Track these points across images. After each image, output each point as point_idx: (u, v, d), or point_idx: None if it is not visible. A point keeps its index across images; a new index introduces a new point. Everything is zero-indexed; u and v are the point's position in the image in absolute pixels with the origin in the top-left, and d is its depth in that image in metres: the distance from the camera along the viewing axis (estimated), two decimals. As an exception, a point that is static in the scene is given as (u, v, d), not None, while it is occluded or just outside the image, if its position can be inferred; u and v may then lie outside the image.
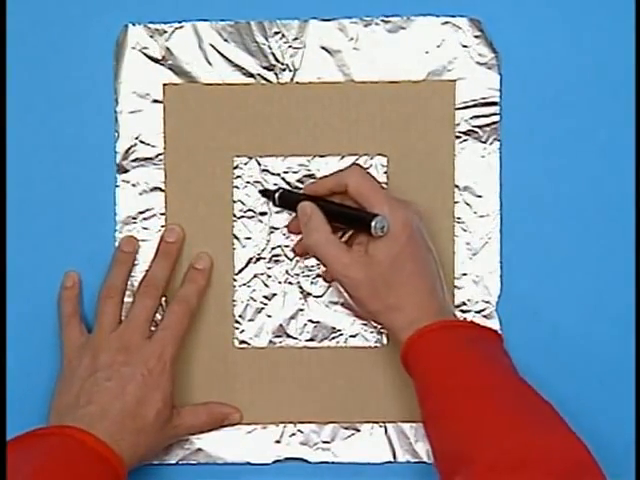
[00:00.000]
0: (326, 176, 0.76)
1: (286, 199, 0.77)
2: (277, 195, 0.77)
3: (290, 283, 0.78)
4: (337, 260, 0.72)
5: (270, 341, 0.78)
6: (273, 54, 0.77)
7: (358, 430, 0.78)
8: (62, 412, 0.72)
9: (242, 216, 0.78)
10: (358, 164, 0.76)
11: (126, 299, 0.77)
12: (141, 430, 0.72)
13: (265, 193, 0.77)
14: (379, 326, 0.78)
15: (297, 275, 0.78)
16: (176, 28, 0.77)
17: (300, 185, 0.78)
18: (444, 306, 0.73)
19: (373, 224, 0.70)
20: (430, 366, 0.70)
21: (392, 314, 0.72)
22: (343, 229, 0.75)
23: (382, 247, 0.71)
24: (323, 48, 0.77)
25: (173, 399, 0.75)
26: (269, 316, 0.78)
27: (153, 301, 0.76)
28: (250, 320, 0.78)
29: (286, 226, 0.78)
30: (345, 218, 0.74)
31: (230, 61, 0.77)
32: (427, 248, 0.73)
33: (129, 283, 0.77)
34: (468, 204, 0.78)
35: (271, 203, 0.77)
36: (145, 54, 0.77)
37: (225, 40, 0.77)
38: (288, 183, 0.78)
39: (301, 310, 0.78)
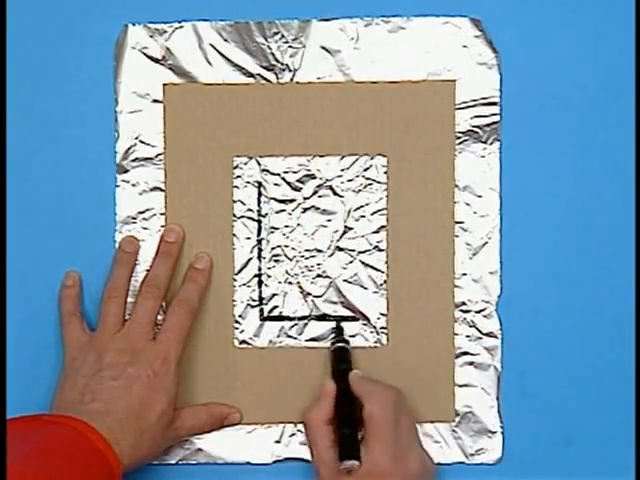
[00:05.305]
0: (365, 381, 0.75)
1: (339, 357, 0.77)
2: (332, 349, 0.77)
3: (290, 283, 0.78)
4: (321, 453, 0.72)
5: (270, 341, 0.78)
6: (273, 54, 0.77)
7: (358, 430, 0.79)
8: (65, 408, 0.72)
9: (242, 216, 0.78)
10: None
11: (128, 299, 0.77)
12: (143, 431, 0.71)
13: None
14: (379, 326, 0.78)
15: (297, 275, 0.78)
16: (176, 28, 0.77)
17: (300, 185, 0.78)
18: None
19: (343, 462, 0.70)
20: None
21: None
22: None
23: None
24: (323, 48, 0.77)
25: (176, 401, 0.74)
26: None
27: (155, 301, 0.76)
28: (250, 320, 0.78)
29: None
30: (337, 425, 0.73)
31: (230, 61, 0.77)
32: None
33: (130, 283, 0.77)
34: (468, 204, 0.78)
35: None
36: (145, 54, 0.77)
37: (225, 40, 0.77)
38: (288, 183, 0.78)
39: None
